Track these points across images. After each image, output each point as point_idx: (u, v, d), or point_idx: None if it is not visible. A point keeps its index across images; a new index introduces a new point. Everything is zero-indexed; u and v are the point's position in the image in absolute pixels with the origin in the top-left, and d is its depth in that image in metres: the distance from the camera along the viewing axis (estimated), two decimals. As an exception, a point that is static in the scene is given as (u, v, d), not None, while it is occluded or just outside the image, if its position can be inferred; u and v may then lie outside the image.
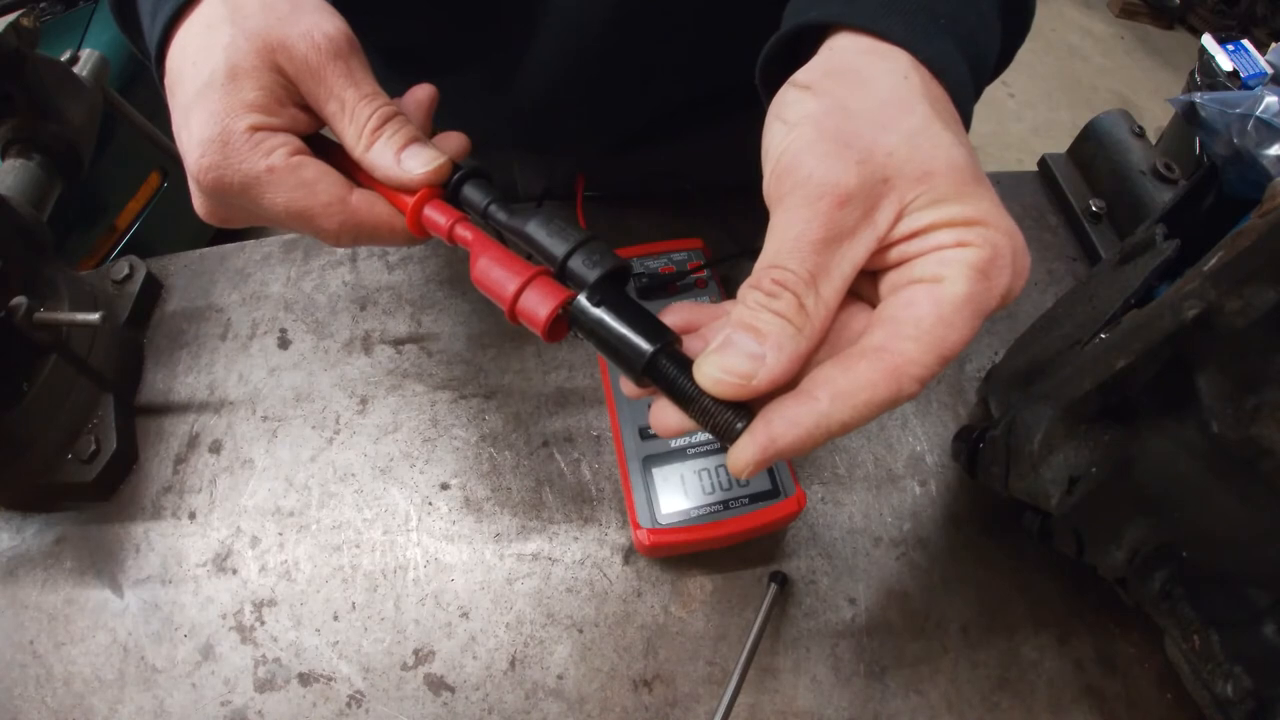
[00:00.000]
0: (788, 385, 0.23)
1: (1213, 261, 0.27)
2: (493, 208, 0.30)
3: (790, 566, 0.44)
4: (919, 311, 0.23)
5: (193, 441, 0.49)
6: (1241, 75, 1.86)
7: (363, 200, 0.30)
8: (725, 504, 0.41)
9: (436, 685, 0.41)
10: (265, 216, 0.30)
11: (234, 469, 0.48)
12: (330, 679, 0.41)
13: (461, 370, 0.52)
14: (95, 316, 0.44)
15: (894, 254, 0.24)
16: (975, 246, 0.23)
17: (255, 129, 0.28)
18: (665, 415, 0.25)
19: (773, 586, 0.41)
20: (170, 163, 1.54)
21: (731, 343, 0.23)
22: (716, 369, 0.23)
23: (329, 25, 0.29)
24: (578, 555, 0.44)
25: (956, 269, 0.23)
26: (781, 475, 0.42)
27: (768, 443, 0.22)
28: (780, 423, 0.22)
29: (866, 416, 0.22)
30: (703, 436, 0.43)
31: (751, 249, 0.55)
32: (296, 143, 0.29)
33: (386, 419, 0.50)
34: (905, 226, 0.24)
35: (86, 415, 0.47)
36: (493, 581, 0.44)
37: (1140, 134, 0.60)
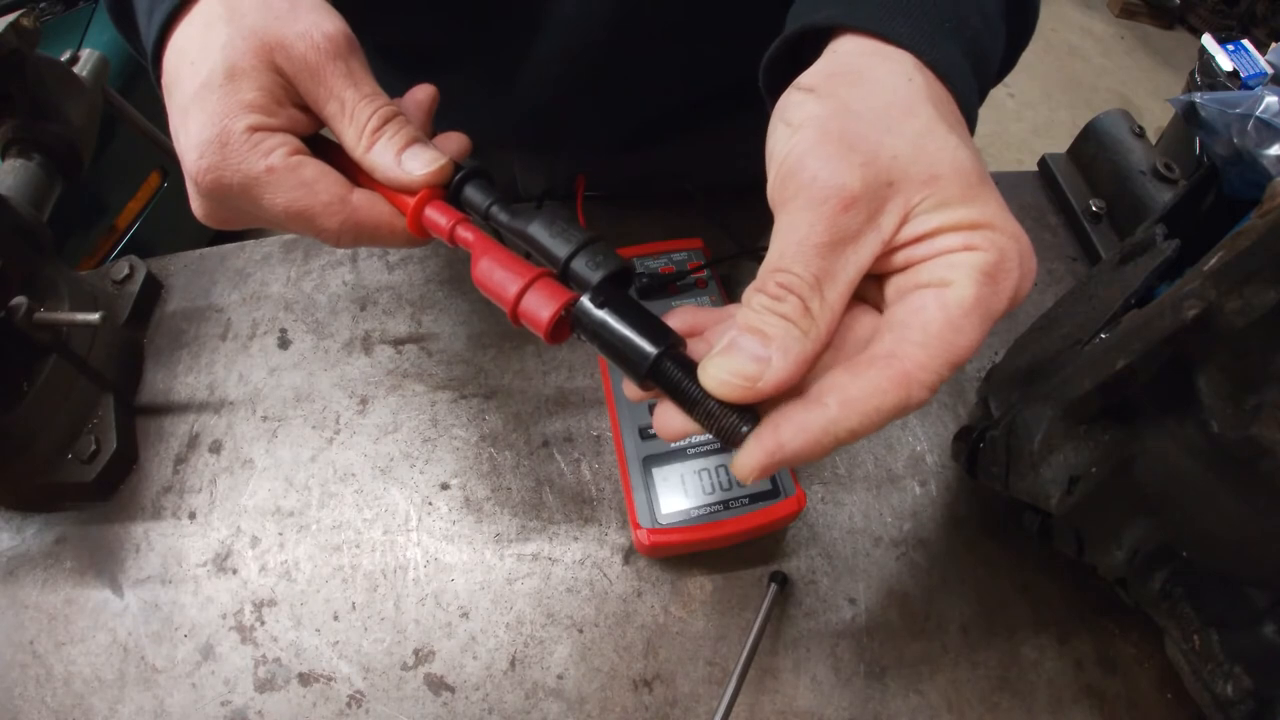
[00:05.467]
0: (793, 389, 0.23)
1: (1213, 261, 0.27)
2: (494, 209, 0.30)
3: (790, 566, 0.44)
4: (927, 317, 0.23)
5: (193, 441, 0.49)
6: (1241, 75, 1.86)
7: (363, 200, 0.30)
8: (725, 504, 0.41)
9: (436, 685, 0.41)
10: (265, 218, 0.30)
11: (234, 469, 0.48)
12: (330, 679, 0.41)
13: (461, 370, 0.52)
14: (95, 316, 0.44)
15: (900, 258, 0.24)
16: (982, 250, 0.23)
17: (254, 129, 0.28)
18: (669, 418, 0.25)
19: (773, 586, 0.41)
20: (170, 163, 1.54)
21: (737, 345, 0.23)
22: (722, 371, 0.23)
23: (328, 24, 0.29)
24: (578, 555, 0.44)
25: (964, 273, 0.23)
26: (781, 475, 0.42)
27: (775, 448, 0.22)
28: (789, 428, 0.22)
29: (875, 424, 0.22)
30: (703, 436, 0.43)
31: (752, 249, 0.55)
32: (296, 143, 0.29)
33: (386, 419, 0.50)
34: (911, 230, 0.24)
35: (86, 415, 0.48)
36: (493, 581, 0.44)
37: (1140, 134, 0.60)
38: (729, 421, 0.23)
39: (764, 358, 0.23)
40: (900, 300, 0.24)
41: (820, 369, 0.24)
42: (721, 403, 0.23)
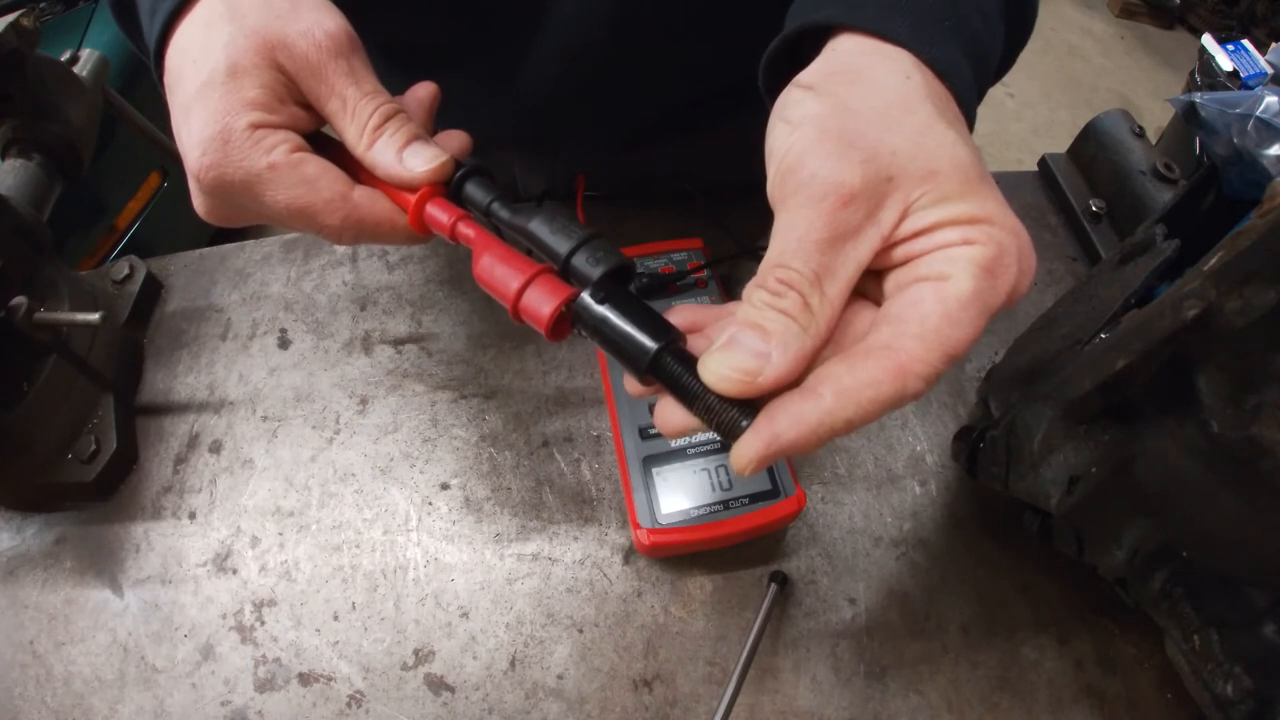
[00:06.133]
0: (793, 385, 0.23)
1: (1213, 261, 0.27)
2: (495, 205, 0.30)
3: (790, 566, 0.44)
4: (924, 309, 0.23)
5: (193, 441, 0.49)
6: (1241, 75, 1.86)
7: (365, 197, 0.30)
8: (725, 504, 0.41)
9: (436, 685, 0.41)
10: (267, 215, 0.30)
11: (234, 469, 0.48)
12: (330, 679, 0.41)
13: (461, 370, 0.52)
14: (95, 316, 0.44)
15: (899, 253, 0.24)
16: (981, 244, 0.23)
17: (256, 126, 0.28)
18: (669, 413, 0.25)
19: (773, 586, 0.41)
20: (170, 163, 1.54)
21: (737, 340, 0.23)
22: (722, 366, 0.23)
23: (329, 22, 0.29)
24: (578, 555, 0.44)
25: (962, 266, 0.23)
26: (781, 475, 0.42)
27: (771, 439, 0.22)
28: (784, 419, 0.22)
29: (871, 415, 0.22)
30: (703, 436, 0.43)
31: (752, 249, 0.55)
32: (297, 140, 0.29)
33: (386, 419, 0.50)
34: (910, 225, 0.24)
35: (86, 415, 0.47)
36: (493, 581, 0.44)
37: (1140, 134, 0.60)
38: (729, 416, 0.23)
39: (764, 353, 0.23)
40: (898, 294, 0.24)
41: (819, 365, 0.24)
42: (722, 398, 0.23)
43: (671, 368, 0.24)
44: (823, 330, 0.24)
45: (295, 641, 0.42)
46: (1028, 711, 0.40)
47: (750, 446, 0.22)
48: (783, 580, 0.42)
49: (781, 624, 0.42)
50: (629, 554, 0.44)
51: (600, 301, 0.25)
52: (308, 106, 0.30)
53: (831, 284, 0.23)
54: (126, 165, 1.50)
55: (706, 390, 0.24)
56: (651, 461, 0.43)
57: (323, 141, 0.32)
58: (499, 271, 0.27)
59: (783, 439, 0.22)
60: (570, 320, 0.26)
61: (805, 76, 0.27)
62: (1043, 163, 0.64)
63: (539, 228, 0.27)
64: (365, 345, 0.53)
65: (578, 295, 0.26)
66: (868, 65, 0.26)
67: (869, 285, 0.26)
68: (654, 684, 0.40)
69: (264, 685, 0.41)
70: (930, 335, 0.22)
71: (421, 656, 0.42)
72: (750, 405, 0.23)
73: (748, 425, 0.23)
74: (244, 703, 0.40)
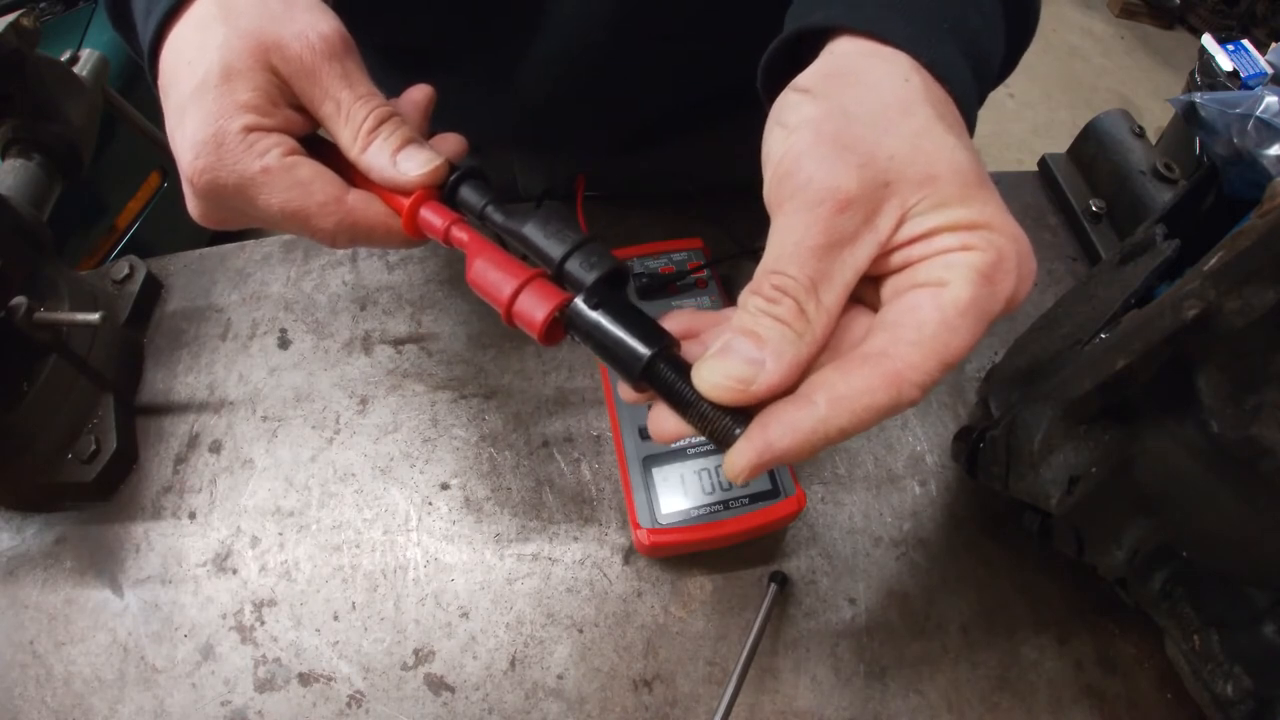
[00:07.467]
0: (788, 392, 0.23)
1: (1213, 261, 0.27)
2: (489, 209, 0.29)
3: (790, 566, 0.44)
4: (921, 316, 0.22)
5: (193, 441, 0.49)
6: (1241, 75, 1.86)
7: (359, 200, 0.29)
8: (725, 504, 0.41)
9: (436, 685, 0.41)
10: (260, 218, 0.30)
11: (234, 469, 0.48)
12: (330, 679, 0.41)
13: (461, 370, 0.52)
14: (95, 316, 0.44)
15: (896, 258, 0.24)
16: (979, 250, 0.22)
17: (249, 129, 0.27)
18: (663, 420, 0.25)
19: (773, 586, 0.41)
20: (170, 163, 1.54)
21: (731, 348, 0.23)
22: (715, 374, 0.23)
23: (324, 25, 0.29)
24: (578, 555, 0.44)
25: (960, 273, 0.22)
26: (781, 475, 0.42)
27: (764, 447, 0.22)
28: (777, 427, 0.22)
29: (866, 422, 0.22)
30: (703, 436, 0.43)
31: (752, 249, 0.55)
32: (291, 143, 0.29)
33: (386, 419, 0.50)
34: (908, 231, 0.23)
35: (86, 415, 0.48)
36: (493, 581, 0.44)
37: (1140, 134, 0.60)
38: (722, 424, 0.23)
39: (758, 360, 0.22)
40: (895, 300, 0.24)
41: (815, 371, 0.24)
42: (715, 405, 0.23)
43: (665, 374, 0.24)
44: (818, 337, 0.23)
45: (295, 641, 0.42)
46: (1028, 711, 0.40)
47: (743, 455, 0.22)
48: (783, 580, 0.42)
49: (781, 624, 0.42)
50: (629, 554, 0.44)
51: (593, 307, 0.25)
52: (302, 109, 0.30)
53: (827, 290, 0.23)
54: (126, 165, 1.50)
55: (700, 397, 0.23)
56: (651, 461, 0.43)
57: (317, 144, 0.31)
58: (492, 276, 0.27)
59: (776, 447, 0.22)
60: (564, 325, 0.26)
61: (802, 79, 0.27)
62: (1043, 163, 0.64)
63: (533, 232, 0.27)
64: (365, 345, 0.53)
65: (571, 300, 0.25)
66: (866, 68, 0.26)
67: (866, 291, 0.25)
68: (654, 684, 0.40)
69: (264, 685, 0.41)
70: (927, 343, 0.22)
71: (421, 656, 0.42)
72: (744, 413, 0.23)
73: (741, 433, 0.23)
74: (244, 703, 0.40)
